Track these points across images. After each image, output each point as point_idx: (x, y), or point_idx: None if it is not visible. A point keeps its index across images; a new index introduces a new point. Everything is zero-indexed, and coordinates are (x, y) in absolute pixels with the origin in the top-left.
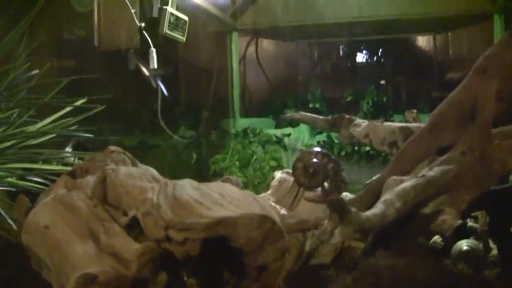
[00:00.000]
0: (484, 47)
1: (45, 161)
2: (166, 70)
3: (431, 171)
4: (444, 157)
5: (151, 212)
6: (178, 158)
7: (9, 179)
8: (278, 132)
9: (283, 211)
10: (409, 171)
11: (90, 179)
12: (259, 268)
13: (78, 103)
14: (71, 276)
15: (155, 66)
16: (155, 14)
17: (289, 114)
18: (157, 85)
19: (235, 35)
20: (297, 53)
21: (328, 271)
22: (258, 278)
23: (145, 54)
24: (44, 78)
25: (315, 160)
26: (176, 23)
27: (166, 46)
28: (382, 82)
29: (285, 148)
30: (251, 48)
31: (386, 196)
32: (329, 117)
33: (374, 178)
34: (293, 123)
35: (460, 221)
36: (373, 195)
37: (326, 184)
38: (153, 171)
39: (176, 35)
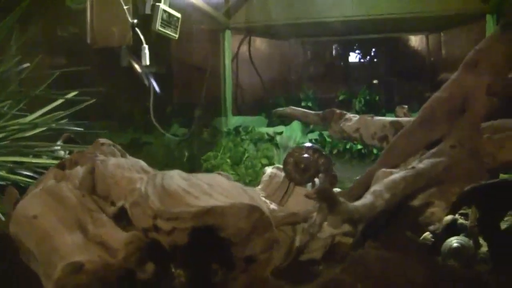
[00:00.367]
0: None
1: (35, 155)
2: (158, 68)
3: (421, 164)
4: (434, 150)
5: (139, 202)
6: (170, 156)
7: None
8: (270, 130)
9: (273, 206)
10: (399, 164)
11: (79, 170)
12: (247, 259)
13: (70, 95)
14: (58, 265)
15: (147, 63)
16: (147, 11)
17: (280, 109)
18: (150, 82)
19: (228, 33)
20: (290, 51)
21: (318, 267)
22: (246, 269)
23: (138, 51)
24: (36, 73)
25: (306, 155)
26: (169, 20)
27: (159, 43)
28: (375, 81)
29: (277, 146)
30: (244, 47)
31: (375, 187)
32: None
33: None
34: (285, 121)
35: (450, 218)
36: (363, 187)
37: (316, 180)
38: (142, 163)
39: (169, 32)
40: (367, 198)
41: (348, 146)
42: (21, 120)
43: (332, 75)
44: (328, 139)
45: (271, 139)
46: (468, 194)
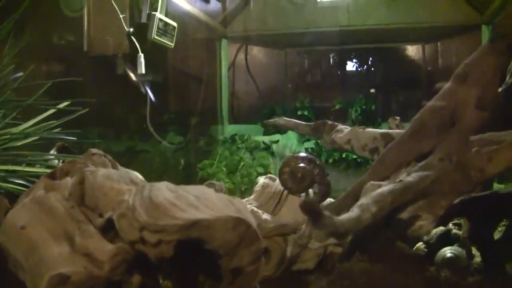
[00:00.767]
0: None
1: (28, 164)
2: (154, 76)
3: (409, 177)
4: (422, 163)
5: (126, 214)
6: (166, 164)
7: None
8: (266, 139)
9: (265, 216)
10: (389, 176)
11: (69, 181)
12: (234, 271)
13: (62, 105)
14: (44, 276)
15: (143, 72)
16: (144, 19)
17: (272, 120)
18: (146, 90)
19: (224, 42)
20: (286, 60)
21: (311, 277)
22: (233, 281)
23: (134, 60)
24: (31, 82)
25: (302, 164)
26: (165, 29)
27: (155, 52)
28: (372, 90)
29: (273, 154)
30: (241, 55)
31: (362, 201)
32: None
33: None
34: (281, 130)
35: (444, 228)
36: (352, 199)
37: (310, 190)
38: (132, 174)
39: (165, 41)
40: (353, 212)
41: (344, 155)
42: (14, 130)
43: (328, 84)
44: (324, 148)
45: (267, 148)
46: (457, 207)
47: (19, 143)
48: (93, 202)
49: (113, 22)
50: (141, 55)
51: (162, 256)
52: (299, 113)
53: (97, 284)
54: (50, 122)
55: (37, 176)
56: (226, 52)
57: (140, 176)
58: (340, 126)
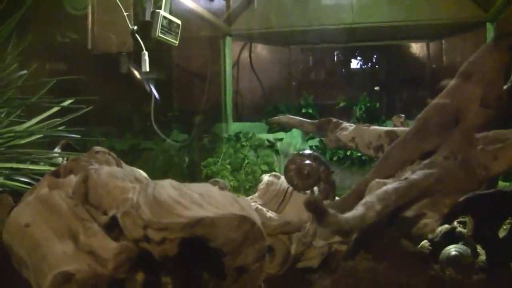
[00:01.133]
0: None
1: (33, 162)
2: (158, 74)
3: (414, 175)
4: (427, 161)
5: (130, 212)
6: (170, 162)
7: None
8: (271, 136)
9: (269, 214)
10: (393, 174)
11: (73, 179)
12: (238, 270)
13: (66, 103)
14: (48, 275)
15: (147, 69)
16: (148, 17)
17: (276, 117)
18: (150, 88)
19: (228, 39)
20: (290, 58)
21: (315, 275)
22: (238, 280)
23: (138, 58)
24: (35, 80)
25: (308, 161)
26: (169, 27)
27: (159, 50)
28: (376, 88)
29: (277, 152)
30: (245, 53)
31: (367, 199)
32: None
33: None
34: (285, 128)
35: (448, 226)
36: (357, 197)
37: (315, 188)
38: (137, 172)
39: (169, 38)
40: (358, 210)
41: (348, 153)
42: (18, 127)
43: (332, 82)
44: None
45: (272, 146)
46: (464, 204)
47: (23, 141)
48: (97, 200)
49: (117, 20)
50: (145, 53)
51: (166, 254)
52: (303, 111)
53: (101, 282)
54: (54, 120)
55: (41, 174)
56: (230, 50)
57: (144, 174)
58: (345, 124)
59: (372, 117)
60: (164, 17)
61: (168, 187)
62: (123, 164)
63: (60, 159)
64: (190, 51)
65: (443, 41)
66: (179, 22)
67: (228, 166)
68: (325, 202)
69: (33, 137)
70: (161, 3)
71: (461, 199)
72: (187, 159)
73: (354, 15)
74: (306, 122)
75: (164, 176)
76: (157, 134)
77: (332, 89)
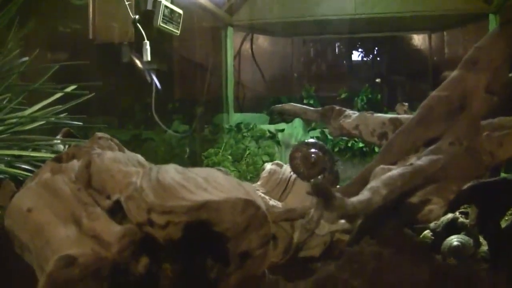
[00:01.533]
0: None
1: (34, 149)
2: (160, 64)
3: (419, 161)
4: (432, 147)
5: (134, 196)
6: (171, 152)
7: None
8: (272, 127)
9: (272, 202)
10: (397, 162)
11: (75, 164)
12: (242, 255)
13: (69, 89)
14: (51, 259)
15: (149, 59)
16: (149, 6)
17: (279, 105)
18: (151, 78)
19: (230, 30)
20: (292, 49)
21: (317, 264)
22: (242, 265)
23: (140, 47)
24: (36, 67)
25: (313, 150)
26: (171, 16)
27: (161, 40)
28: (378, 80)
29: (278, 143)
30: (246, 44)
31: (372, 184)
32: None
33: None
34: (287, 119)
35: (450, 217)
36: (361, 184)
37: (319, 177)
38: (139, 157)
39: (171, 28)
40: (364, 194)
41: (349, 144)
42: (20, 114)
43: (334, 74)
44: (329, 137)
45: (273, 136)
46: (468, 192)
47: (25, 128)
48: (100, 185)
49: (118, 10)
50: (147, 42)
51: (170, 238)
52: (304, 102)
53: (105, 266)
54: (56, 107)
55: (43, 161)
56: (232, 40)
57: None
58: (348, 112)
59: (373, 109)
60: (166, 7)
61: (172, 171)
62: (126, 150)
63: (62, 146)
64: (191, 41)
65: (445, 33)
66: (180, 11)
67: (229, 157)
68: None
69: (36, 124)
70: None
71: (465, 186)
72: (188, 150)
73: (356, 6)
74: (309, 110)
75: None
76: (158, 124)
77: (333, 80)
